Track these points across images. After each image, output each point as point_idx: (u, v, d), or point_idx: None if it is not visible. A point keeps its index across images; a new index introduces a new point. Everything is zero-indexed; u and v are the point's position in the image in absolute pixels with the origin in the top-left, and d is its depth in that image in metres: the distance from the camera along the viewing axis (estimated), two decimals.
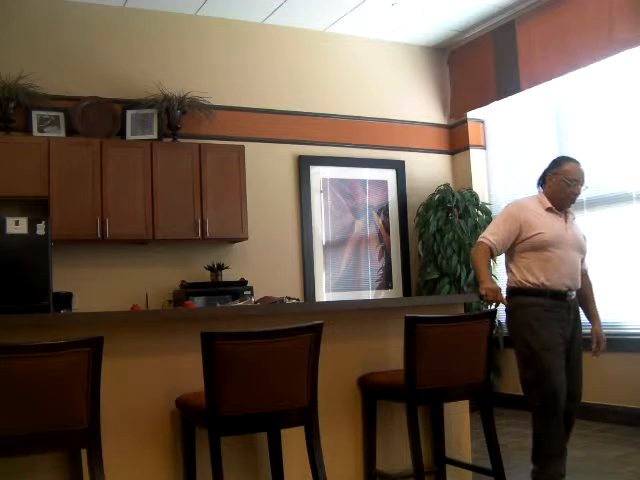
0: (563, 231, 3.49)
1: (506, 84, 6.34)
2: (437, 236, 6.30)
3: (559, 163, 3.57)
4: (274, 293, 4.51)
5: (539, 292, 3.42)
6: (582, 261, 3.60)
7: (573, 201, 3.54)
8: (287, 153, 6.31)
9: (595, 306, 3.67)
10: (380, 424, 3.31)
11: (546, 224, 3.47)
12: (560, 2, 5.79)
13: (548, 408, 3.31)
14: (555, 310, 3.40)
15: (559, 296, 3.42)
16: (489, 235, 3.55)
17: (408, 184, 6.77)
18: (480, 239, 3.59)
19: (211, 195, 5.61)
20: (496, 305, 3.63)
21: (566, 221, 3.54)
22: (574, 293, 3.49)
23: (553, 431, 3.30)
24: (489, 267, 3.64)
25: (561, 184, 3.50)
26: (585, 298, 3.65)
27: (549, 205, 3.52)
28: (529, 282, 3.44)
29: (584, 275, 3.63)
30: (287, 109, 6.30)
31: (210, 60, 6.08)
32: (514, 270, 3.52)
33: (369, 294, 6.52)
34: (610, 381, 5.20)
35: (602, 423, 5.17)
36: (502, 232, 3.52)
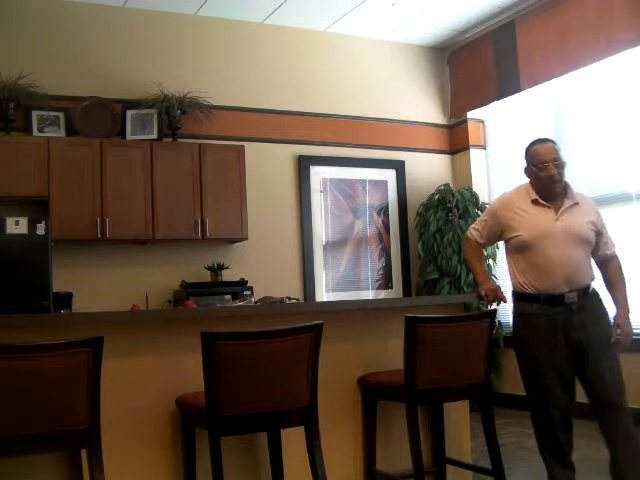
0: (550, 225, 3.16)
1: (506, 84, 6.34)
2: (437, 236, 6.30)
3: (527, 150, 3.29)
4: (274, 293, 4.51)
5: (532, 297, 3.20)
6: (599, 247, 3.26)
7: (554, 186, 3.19)
8: (287, 153, 6.30)
9: (621, 294, 3.28)
10: (380, 424, 3.31)
11: (526, 222, 3.20)
12: (560, 2, 5.79)
13: (539, 420, 3.26)
14: (553, 317, 3.14)
15: (555, 301, 3.14)
16: (474, 231, 3.48)
17: (408, 184, 6.77)
18: (467, 232, 3.54)
19: (211, 195, 5.61)
20: (497, 304, 3.58)
21: (557, 211, 3.19)
22: (576, 294, 3.15)
23: (547, 441, 3.24)
24: (485, 263, 3.55)
25: (534, 171, 3.21)
26: (610, 286, 3.32)
27: (534, 197, 3.22)
28: (523, 285, 3.24)
29: (609, 260, 3.30)
30: (287, 109, 6.30)
31: (210, 60, 6.08)
32: (510, 271, 3.36)
33: (369, 294, 6.52)
34: None
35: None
36: (485, 229, 3.42)
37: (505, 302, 3.44)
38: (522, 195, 3.29)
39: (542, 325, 3.18)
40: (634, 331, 4.61)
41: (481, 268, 3.57)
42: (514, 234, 3.24)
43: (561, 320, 3.15)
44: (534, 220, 3.20)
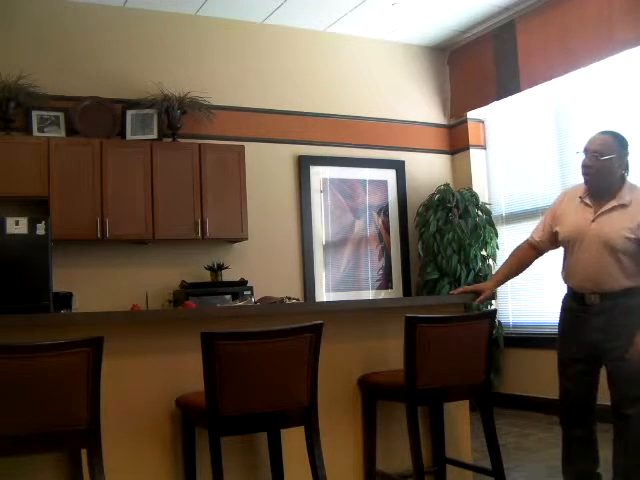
0: (584, 226, 3.10)
1: (506, 84, 6.34)
2: (437, 236, 6.29)
3: None
4: (274, 293, 4.51)
5: (570, 292, 3.24)
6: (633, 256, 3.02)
7: (586, 178, 3.12)
8: (287, 153, 6.30)
9: None
10: (380, 424, 3.31)
11: (567, 219, 3.19)
12: (560, 2, 5.79)
13: (560, 412, 3.28)
14: (579, 315, 3.16)
15: (579, 300, 3.15)
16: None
17: (408, 184, 6.77)
18: None
19: (211, 195, 5.61)
20: (486, 300, 3.58)
21: (595, 212, 3.09)
22: (598, 296, 3.05)
23: (566, 441, 3.25)
24: (508, 268, 3.42)
25: None
26: None
27: (581, 194, 3.17)
28: (565, 279, 3.25)
29: None
30: (287, 109, 6.30)
31: (210, 60, 6.08)
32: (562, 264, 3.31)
33: (369, 294, 6.52)
34: None
35: (602, 423, 5.15)
36: (541, 225, 3.36)
37: (484, 300, 3.46)
38: (577, 191, 3.23)
39: (569, 318, 3.23)
40: None
41: (499, 270, 3.57)
42: (556, 229, 3.24)
43: (586, 319, 3.12)
44: (572, 219, 3.18)
